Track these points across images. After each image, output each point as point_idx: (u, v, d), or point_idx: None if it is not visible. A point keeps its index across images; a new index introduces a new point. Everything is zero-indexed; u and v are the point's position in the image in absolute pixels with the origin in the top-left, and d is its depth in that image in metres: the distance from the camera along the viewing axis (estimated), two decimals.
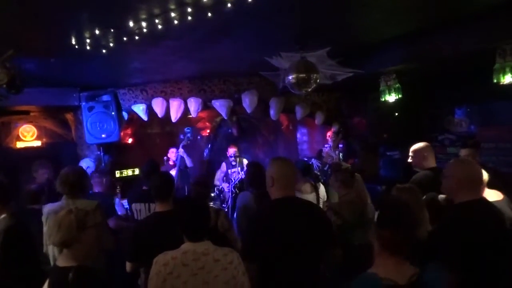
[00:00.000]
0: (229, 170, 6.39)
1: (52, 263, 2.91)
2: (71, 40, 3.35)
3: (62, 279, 1.82)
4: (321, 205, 4.37)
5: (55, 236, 1.94)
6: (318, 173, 5.79)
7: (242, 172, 5.93)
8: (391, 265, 1.67)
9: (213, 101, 5.86)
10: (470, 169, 2.28)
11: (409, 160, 3.73)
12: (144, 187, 3.74)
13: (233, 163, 6.39)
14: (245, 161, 6.38)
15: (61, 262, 1.95)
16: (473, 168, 2.29)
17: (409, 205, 1.84)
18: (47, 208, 3.05)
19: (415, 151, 3.70)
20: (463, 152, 3.93)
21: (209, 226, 2.23)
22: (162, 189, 2.84)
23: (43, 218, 3.03)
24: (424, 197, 3.03)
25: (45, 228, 2.98)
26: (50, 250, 2.97)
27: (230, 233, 3.26)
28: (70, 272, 1.82)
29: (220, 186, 6.54)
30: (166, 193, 2.83)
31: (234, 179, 6.32)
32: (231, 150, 6.53)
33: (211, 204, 5.31)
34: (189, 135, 6.24)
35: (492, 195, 2.71)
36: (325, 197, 4.64)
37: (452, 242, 2.05)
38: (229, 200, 6.11)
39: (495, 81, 3.87)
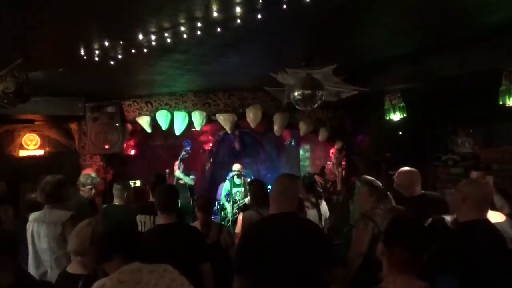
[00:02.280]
0: (233, 189, 6.34)
1: (31, 271, 2.92)
2: (79, 51, 3.38)
3: (71, 285, 1.82)
4: (322, 223, 4.33)
5: (71, 244, 1.98)
6: (321, 190, 5.75)
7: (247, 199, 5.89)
8: (401, 283, 1.64)
9: (217, 115, 5.87)
10: (478, 188, 2.30)
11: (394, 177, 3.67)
12: (150, 199, 3.75)
13: (238, 181, 6.34)
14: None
15: (72, 269, 1.96)
16: (482, 188, 2.31)
17: (420, 223, 1.82)
18: (31, 216, 3.11)
19: (399, 174, 3.61)
20: (475, 175, 3.91)
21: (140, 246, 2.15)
22: (165, 202, 2.82)
23: (27, 225, 3.07)
24: (430, 219, 3.01)
25: (28, 235, 3.03)
26: (31, 257, 2.99)
27: (232, 249, 3.23)
28: (80, 279, 1.83)
29: (222, 203, 6.49)
30: (169, 205, 2.81)
31: (238, 200, 6.26)
32: (236, 166, 6.49)
33: (213, 218, 5.28)
34: (188, 148, 6.22)
35: (495, 216, 2.72)
36: (327, 214, 4.60)
37: (452, 262, 2.04)
38: (231, 217, 6.07)
39: (500, 103, 3.87)
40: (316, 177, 5.86)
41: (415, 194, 3.48)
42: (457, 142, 6.46)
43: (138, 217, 3.61)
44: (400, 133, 6.55)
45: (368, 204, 3.21)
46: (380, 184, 3.34)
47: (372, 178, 3.43)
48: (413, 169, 3.59)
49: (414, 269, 1.65)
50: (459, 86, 5.03)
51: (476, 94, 5.16)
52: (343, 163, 6.55)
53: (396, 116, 5.13)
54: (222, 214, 6.63)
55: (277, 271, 2.22)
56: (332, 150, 6.68)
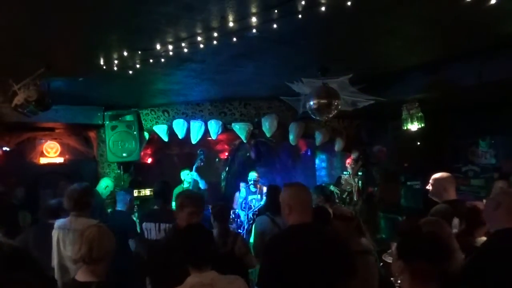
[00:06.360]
0: (248, 197, 6.32)
1: (56, 278, 2.94)
2: (99, 61, 3.46)
3: None
4: None
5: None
6: (337, 201, 5.69)
7: (262, 201, 5.89)
8: None
9: (233, 124, 5.90)
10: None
11: (428, 187, 3.62)
12: (156, 207, 3.76)
13: (253, 189, 6.33)
14: (265, 189, 6.31)
15: (81, 277, 1.96)
16: None
17: (438, 234, 1.77)
18: (56, 223, 3.13)
19: (435, 180, 3.59)
20: (501, 183, 3.82)
21: (213, 252, 2.17)
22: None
23: (53, 233, 3.09)
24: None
25: (54, 243, 3.05)
26: (56, 265, 3.02)
27: (247, 258, 3.21)
28: (91, 287, 1.83)
29: (237, 211, 6.47)
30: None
31: (253, 206, 6.24)
32: (252, 175, 6.48)
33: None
34: (202, 156, 6.25)
35: None
36: None
37: (489, 270, 2.01)
38: (246, 225, 6.04)
39: None
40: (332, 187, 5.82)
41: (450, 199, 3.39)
42: (477, 153, 6.30)
43: (144, 225, 3.62)
44: (419, 143, 6.43)
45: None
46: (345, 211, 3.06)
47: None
48: (445, 173, 3.52)
49: (437, 281, 1.61)
50: (479, 96, 4.93)
51: (497, 104, 5.05)
52: (360, 173, 6.47)
53: (414, 126, 5.05)
54: (238, 222, 6.61)
55: (302, 283, 2.17)
56: (348, 160, 6.61)
